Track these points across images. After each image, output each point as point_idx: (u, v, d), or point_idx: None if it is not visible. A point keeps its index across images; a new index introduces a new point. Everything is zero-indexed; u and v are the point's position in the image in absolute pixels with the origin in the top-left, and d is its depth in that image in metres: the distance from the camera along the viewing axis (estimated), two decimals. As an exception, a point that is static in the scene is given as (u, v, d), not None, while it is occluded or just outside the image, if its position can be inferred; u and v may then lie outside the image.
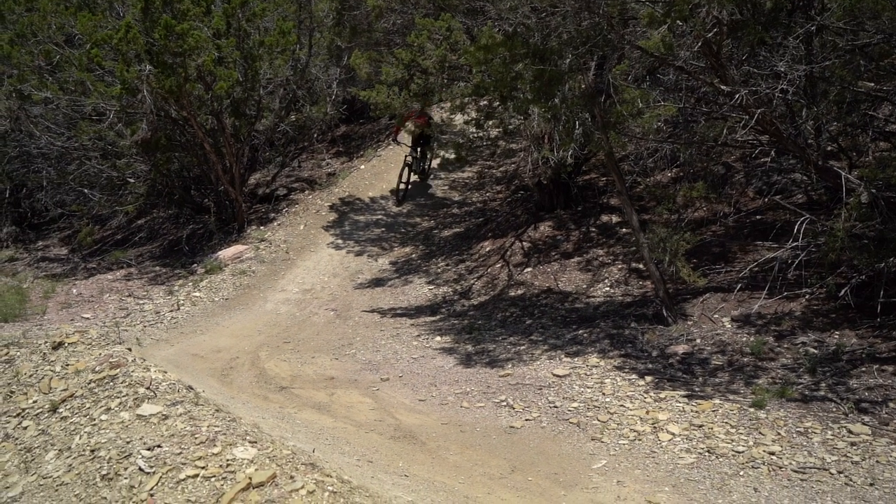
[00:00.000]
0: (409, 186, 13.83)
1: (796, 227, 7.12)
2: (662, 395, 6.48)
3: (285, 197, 14.51)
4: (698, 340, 7.43)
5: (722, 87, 7.15)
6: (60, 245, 15.31)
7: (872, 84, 7.31)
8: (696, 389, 6.56)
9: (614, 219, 10.54)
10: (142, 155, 12.79)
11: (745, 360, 6.91)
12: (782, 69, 7.14)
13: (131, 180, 13.48)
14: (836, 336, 6.83)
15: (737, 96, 6.88)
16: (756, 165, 9.46)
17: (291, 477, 4.06)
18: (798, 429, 5.70)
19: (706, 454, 5.56)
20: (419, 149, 13.73)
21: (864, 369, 6.26)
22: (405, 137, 13.46)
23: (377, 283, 10.91)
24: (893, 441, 5.38)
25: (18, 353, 6.74)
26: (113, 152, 12.95)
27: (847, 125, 7.96)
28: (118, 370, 5.55)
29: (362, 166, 15.09)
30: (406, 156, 13.63)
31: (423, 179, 14.32)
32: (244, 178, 13.88)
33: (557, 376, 7.14)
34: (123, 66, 10.57)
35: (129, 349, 6.58)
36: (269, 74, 12.83)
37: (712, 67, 7.30)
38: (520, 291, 9.77)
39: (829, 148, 8.16)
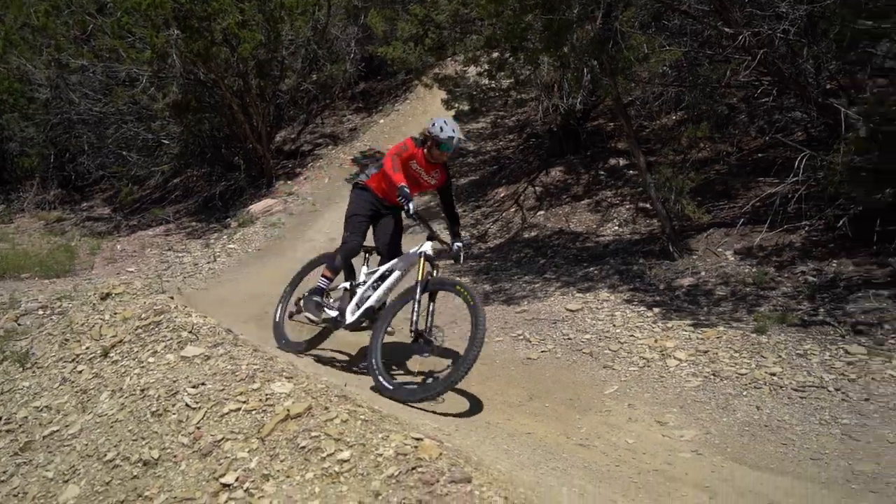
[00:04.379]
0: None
1: (796, 162, 7.00)
2: (669, 325, 6.49)
3: (310, 153, 14.49)
4: (703, 273, 7.40)
5: (725, 29, 6.98)
6: (103, 205, 15.49)
7: (871, 22, 7.08)
8: (702, 318, 6.56)
9: (622, 162, 10.41)
10: (174, 117, 12.82)
11: (748, 289, 6.88)
12: (784, 10, 6.94)
13: (166, 142, 13.55)
14: (835, 264, 6.76)
15: (740, 38, 6.72)
16: (758, 105, 9.26)
17: (326, 408, 4.12)
18: (798, 351, 5.70)
19: (711, 377, 5.59)
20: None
21: (860, 295, 6.20)
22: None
23: (399, 230, 10.91)
24: (887, 359, 5.36)
25: (71, 305, 6.88)
26: (147, 115, 13.00)
27: (846, 63, 7.73)
28: (162, 316, 5.63)
29: (381, 120, 14.99)
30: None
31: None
32: (271, 135, 13.88)
33: (570, 311, 7.17)
34: (153, 32, 10.53)
35: (172, 297, 6.67)
36: (290, 35, 12.71)
37: (716, 10, 7.11)
38: (533, 233, 9.75)
39: (828, 86, 7.96)
